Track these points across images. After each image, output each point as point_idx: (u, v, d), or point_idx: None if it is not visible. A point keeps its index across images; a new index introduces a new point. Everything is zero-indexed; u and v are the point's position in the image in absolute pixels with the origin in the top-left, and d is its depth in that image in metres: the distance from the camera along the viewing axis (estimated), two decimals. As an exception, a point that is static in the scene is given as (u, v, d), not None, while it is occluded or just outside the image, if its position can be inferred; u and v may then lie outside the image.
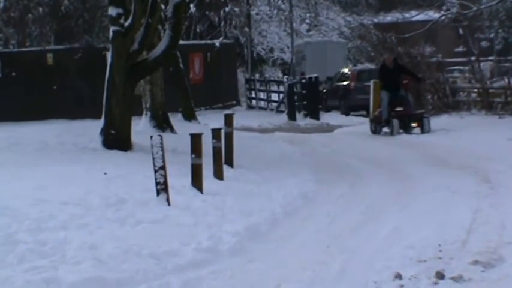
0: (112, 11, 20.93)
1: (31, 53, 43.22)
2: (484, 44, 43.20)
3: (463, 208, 13.23)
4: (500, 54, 40.84)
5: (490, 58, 39.31)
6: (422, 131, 26.38)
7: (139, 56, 21.53)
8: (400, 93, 27.04)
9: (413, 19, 38.79)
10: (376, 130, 27.95)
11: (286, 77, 44.52)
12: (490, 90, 33.20)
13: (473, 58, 36.32)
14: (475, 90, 34.18)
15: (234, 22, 48.40)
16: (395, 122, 26.41)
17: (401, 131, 26.59)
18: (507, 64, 37.31)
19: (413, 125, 26.79)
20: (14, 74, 41.89)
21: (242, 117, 34.84)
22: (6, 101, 40.27)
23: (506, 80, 33.70)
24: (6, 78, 41.88)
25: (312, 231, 12.39)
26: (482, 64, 35.94)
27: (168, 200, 13.05)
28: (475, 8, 35.47)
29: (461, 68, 39.54)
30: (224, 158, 17.13)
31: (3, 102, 40.22)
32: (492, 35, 44.15)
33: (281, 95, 42.21)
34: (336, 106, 41.12)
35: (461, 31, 40.34)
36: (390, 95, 26.99)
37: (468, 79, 35.94)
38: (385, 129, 27.44)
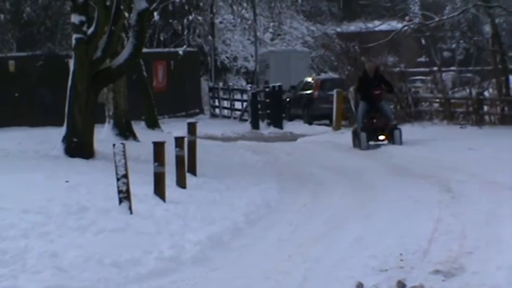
0: (75, 18, 20.85)
1: (-7, 60, 42.96)
2: (445, 54, 43.49)
3: (425, 218, 13.27)
4: (462, 65, 41.08)
5: (451, 68, 39.54)
6: (393, 143, 24.60)
7: (102, 63, 21.45)
8: (380, 104, 25.22)
9: (377, 29, 39.00)
10: (355, 144, 25.63)
11: (249, 85, 44.55)
12: (452, 101, 33.37)
13: (435, 68, 36.56)
14: (437, 100, 34.36)
15: (197, 30, 48.41)
16: (363, 135, 24.64)
17: (371, 143, 24.85)
18: (468, 74, 37.50)
19: (381, 137, 24.92)
20: (-25, 81, 41.67)
21: (205, 125, 34.81)
22: (-32, 108, 40.07)
23: (468, 91, 33.93)
24: (-33, 85, 41.65)
25: (274, 240, 12.39)
26: (444, 74, 36.14)
27: (130, 208, 13.00)
28: (437, 19, 35.64)
29: (424, 78, 39.76)
30: (187, 166, 17.11)
31: (-35, 109, 40.00)
32: (454, 46, 44.42)
33: (244, 104, 42.26)
34: (299, 115, 41.16)
35: (423, 41, 40.58)
36: (368, 106, 25.18)
37: (430, 89, 36.13)
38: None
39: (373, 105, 24.94)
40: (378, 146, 24.81)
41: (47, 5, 30.23)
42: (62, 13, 33.29)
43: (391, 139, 24.66)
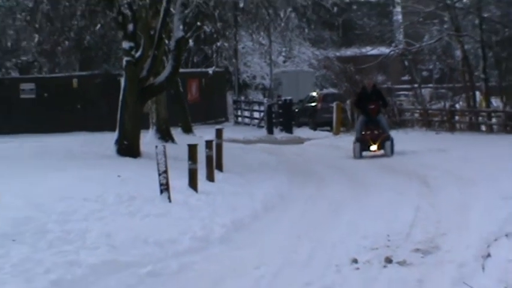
0: (125, 44, 20.91)
1: (60, 78, 43.12)
2: (424, 73, 43.30)
3: (407, 206, 13.26)
4: (438, 82, 40.96)
5: (429, 85, 39.41)
6: (384, 153, 22.63)
7: (147, 81, 21.50)
8: (377, 117, 23.15)
9: (368, 53, 38.92)
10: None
11: (266, 99, 44.50)
12: (429, 111, 33.34)
13: (416, 85, 36.47)
14: (417, 111, 34.33)
15: (224, 54, 48.34)
16: (356, 145, 22.92)
17: (365, 153, 22.86)
18: (443, 90, 37.44)
19: (373, 148, 22.86)
20: (46, 95, 41.87)
21: (230, 131, 34.79)
22: (40, 116, 40.31)
23: (442, 103, 33.89)
24: (39, 98, 41.88)
25: (286, 224, 12.40)
26: (423, 90, 36.11)
27: (169, 197, 13.03)
28: (417, 45, 35.62)
29: (407, 93, 39.69)
30: (215, 164, 17.12)
31: (38, 117, 40.24)
32: (431, 67, 44.26)
33: (262, 114, 42.22)
34: (305, 122, 41.12)
35: (406, 63, 40.44)
36: (366, 119, 23.26)
37: (412, 102, 36.11)
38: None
39: (370, 118, 23.17)
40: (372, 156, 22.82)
41: (104, 34, 30.26)
42: (115, 40, 33.30)
43: (384, 150, 22.77)
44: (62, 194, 12.75)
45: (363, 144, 22.89)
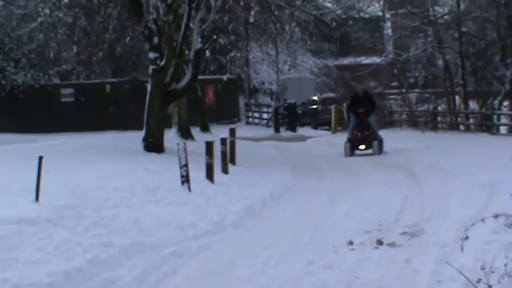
0: (151, 55, 20.94)
1: (95, 84, 43.24)
2: (411, 80, 43.20)
3: (396, 195, 13.24)
4: (423, 87, 40.83)
5: (415, 90, 39.29)
6: (372, 152, 21.80)
7: (170, 86, 21.52)
8: (367, 119, 22.23)
9: (363, 62, 38.86)
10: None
11: (273, 102, 44.49)
12: (415, 113, 33.29)
13: (403, 90, 36.41)
14: (405, 112, 34.28)
15: (236, 63, 48.33)
16: (347, 145, 22.11)
17: (356, 152, 22.04)
18: (427, 94, 37.34)
19: (361, 147, 22.10)
20: (83, 99, 42.00)
21: (242, 130, 34.81)
22: (78, 117, 40.38)
23: (427, 106, 33.80)
24: (77, 101, 42.02)
25: (291, 210, 12.40)
26: (410, 94, 36.03)
27: (189, 188, 13.05)
28: (405, 55, 35.57)
29: (395, 97, 39.61)
30: (229, 158, 17.13)
31: (76, 119, 40.32)
32: (417, 74, 44.17)
33: (269, 115, 42.21)
34: (308, 122, 41.11)
35: (395, 71, 40.37)
36: (357, 121, 22.35)
37: (400, 105, 36.05)
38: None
39: (360, 121, 22.27)
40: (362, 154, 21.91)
41: (132, 46, 30.34)
42: (143, 51, 33.35)
43: (372, 149, 21.98)
44: (97, 184, 12.80)
45: (353, 144, 22.14)
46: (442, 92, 34.48)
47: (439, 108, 32.92)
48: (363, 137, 22.17)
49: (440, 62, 35.45)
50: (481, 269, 6.23)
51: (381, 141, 22.02)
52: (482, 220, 8.94)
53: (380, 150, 21.75)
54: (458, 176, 15.09)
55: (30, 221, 9.31)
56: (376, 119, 23.60)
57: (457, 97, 32.81)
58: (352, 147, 22.08)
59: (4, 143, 24.80)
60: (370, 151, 21.90)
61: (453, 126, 30.13)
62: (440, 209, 11.50)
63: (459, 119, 30.49)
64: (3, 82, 40.52)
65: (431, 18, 32.59)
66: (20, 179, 12.61)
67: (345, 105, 32.89)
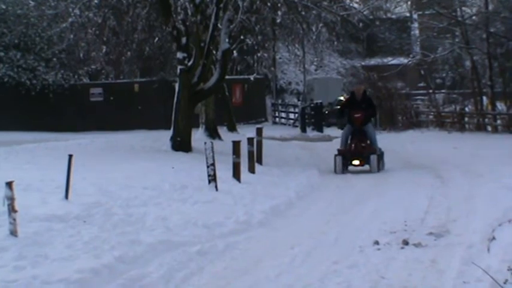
0: (179, 55, 21.03)
1: (123, 83, 43.51)
2: (438, 81, 42.97)
3: (422, 196, 13.18)
4: (450, 88, 40.64)
5: (442, 91, 39.11)
6: (370, 169, 17.41)
7: (197, 86, 21.59)
8: (364, 127, 17.98)
9: (389, 63, 38.75)
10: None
11: (300, 102, 44.46)
12: (442, 114, 33.11)
13: (430, 91, 36.24)
14: (432, 113, 34.11)
15: (263, 63, 48.35)
16: (338, 159, 17.61)
17: (349, 168, 17.76)
18: (454, 96, 37.17)
19: (355, 162, 17.73)
20: (111, 98, 42.24)
21: (268, 129, 34.76)
22: (107, 116, 40.66)
23: (454, 107, 33.62)
24: (106, 101, 42.28)
25: (316, 210, 12.38)
26: (437, 95, 35.87)
27: (216, 187, 13.07)
28: (432, 56, 35.39)
29: (422, 97, 39.45)
30: (255, 158, 17.14)
31: (105, 117, 40.61)
32: (444, 75, 43.92)
33: (296, 115, 42.17)
34: (334, 123, 40.95)
35: (422, 72, 40.18)
36: (352, 129, 18.10)
37: (427, 105, 35.89)
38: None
39: (355, 128, 18.03)
40: (347, 170, 17.75)
41: (161, 46, 30.44)
42: (171, 51, 33.48)
43: (369, 165, 17.53)
44: (126, 182, 12.87)
45: (345, 158, 17.69)
46: (469, 93, 34.32)
47: (466, 109, 32.75)
48: (359, 149, 17.83)
49: (467, 63, 35.25)
50: (508, 270, 6.19)
51: (381, 155, 17.83)
52: (509, 221, 8.85)
53: (379, 167, 17.51)
54: (485, 176, 14.99)
55: (60, 218, 9.39)
56: (374, 127, 19.15)
57: (484, 98, 32.63)
58: (344, 163, 17.68)
59: (35, 141, 25.05)
60: (366, 167, 17.65)
61: (480, 127, 29.95)
62: (466, 210, 11.43)
63: (486, 120, 30.27)
64: (34, 81, 40.90)
65: (459, 18, 32.40)
66: (51, 176, 12.75)
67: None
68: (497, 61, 31.55)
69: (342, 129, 18.93)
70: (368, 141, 17.86)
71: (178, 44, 20.99)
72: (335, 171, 17.50)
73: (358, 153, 17.71)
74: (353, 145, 17.88)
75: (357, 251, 8.83)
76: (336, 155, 17.79)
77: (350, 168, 17.79)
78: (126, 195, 11.55)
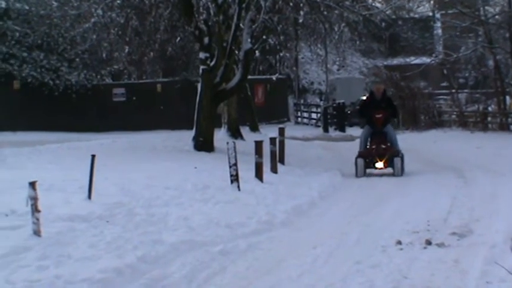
0: (202, 55, 21.09)
1: (146, 84, 43.64)
2: (461, 80, 42.72)
3: (445, 196, 13.11)
4: (473, 88, 40.41)
5: (465, 91, 38.90)
6: (393, 173, 16.86)
7: (220, 86, 21.63)
8: (384, 128, 17.42)
9: (412, 62, 38.58)
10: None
11: (322, 102, 44.39)
12: (465, 113, 32.93)
13: (453, 90, 36.04)
14: (455, 113, 33.92)
15: (286, 63, 48.32)
16: (359, 162, 17.05)
17: (369, 170, 17.18)
18: (477, 95, 36.95)
19: (378, 165, 17.08)
20: (134, 98, 42.37)
21: (291, 129, 34.76)
22: (129, 116, 40.78)
23: (476, 106, 33.41)
24: (129, 101, 42.41)
25: (338, 210, 12.35)
26: (459, 95, 35.66)
27: (238, 187, 13.07)
28: (455, 55, 35.20)
29: (445, 97, 39.25)
30: (278, 158, 17.12)
31: (127, 117, 40.73)
32: (467, 74, 43.66)
33: (318, 115, 42.11)
34: (356, 123, 40.82)
35: (445, 71, 39.98)
36: (372, 131, 17.57)
37: (450, 105, 35.70)
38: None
39: (375, 130, 17.45)
40: (370, 172, 17.26)
41: (183, 46, 30.52)
42: (193, 51, 33.56)
43: (392, 168, 16.96)
44: (148, 182, 12.91)
45: (366, 160, 17.18)
46: (492, 93, 34.10)
47: (489, 108, 32.55)
48: (380, 151, 17.21)
49: (490, 62, 35.04)
50: (531, 270, 6.14)
51: (402, 157, 17.16)
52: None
53: (403, 170, 16.98)
54: (508, 176, 14.89)
55: (82, 218, 9.44)
56: (397, 127, 18.07)
57: (507, 97, 32.41)
58: (365, 165, 17.16)
59: (58, 141, 25.20)
60: (389, 170, 17.07)
61: (503, 127, 29.75)
62: (489, 210, 11.36)
63: (509, 119, 30.06)
64: (57, 82, 41.14)
65: (482, 18, 32.19)
66: (73, 176, 12.82)
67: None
68: (520, 60, 31.35)
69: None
70: (388, 143, 17.33)
71: (201, 44, 21.04)
72: (356, 175, 16.93)
73: (380, 155, 17.08)
74: (374, 147, 17.31)
75: (380, 251, 8.79)
76: (356, 158, 17.22)
77: (372, 171, 17.28)
78: (148, 195, 11.58)
